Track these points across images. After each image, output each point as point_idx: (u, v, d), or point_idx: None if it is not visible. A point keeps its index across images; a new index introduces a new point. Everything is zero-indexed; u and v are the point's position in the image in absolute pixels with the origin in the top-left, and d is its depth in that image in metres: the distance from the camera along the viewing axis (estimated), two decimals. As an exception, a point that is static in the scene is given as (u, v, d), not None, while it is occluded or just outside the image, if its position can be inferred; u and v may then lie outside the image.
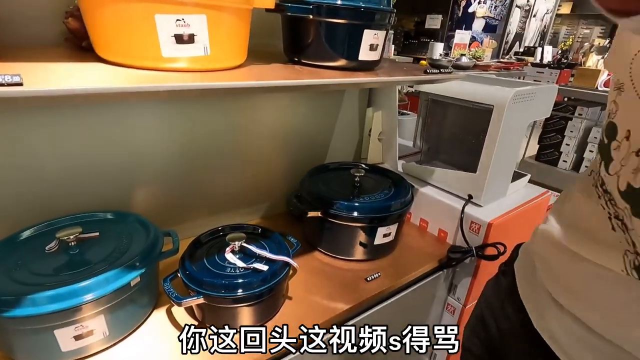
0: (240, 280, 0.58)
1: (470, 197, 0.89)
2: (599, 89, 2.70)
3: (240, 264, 0.61)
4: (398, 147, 1.07)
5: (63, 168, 0.65)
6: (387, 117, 1.07)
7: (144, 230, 0.63)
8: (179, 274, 0.60)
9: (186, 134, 0.77)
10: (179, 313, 0.64)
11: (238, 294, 0.57)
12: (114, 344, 0.57)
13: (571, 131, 2.70)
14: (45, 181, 0.64)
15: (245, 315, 0.60)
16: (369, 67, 0.65)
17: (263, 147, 0.92)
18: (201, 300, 0.57)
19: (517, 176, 0.98)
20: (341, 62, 0.62)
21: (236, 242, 0.63)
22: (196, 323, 0.62)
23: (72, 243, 0.57)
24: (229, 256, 0.62)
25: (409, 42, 5.22)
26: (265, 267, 0.60)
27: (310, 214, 0.78)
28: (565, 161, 2.79)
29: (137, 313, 0.60)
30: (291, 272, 0.77)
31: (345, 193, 0.82)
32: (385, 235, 0.80)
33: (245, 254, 0.64)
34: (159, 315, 0.63)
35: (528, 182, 1.03)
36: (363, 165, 0.96)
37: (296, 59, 0.64)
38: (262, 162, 0.93)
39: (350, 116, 1.07)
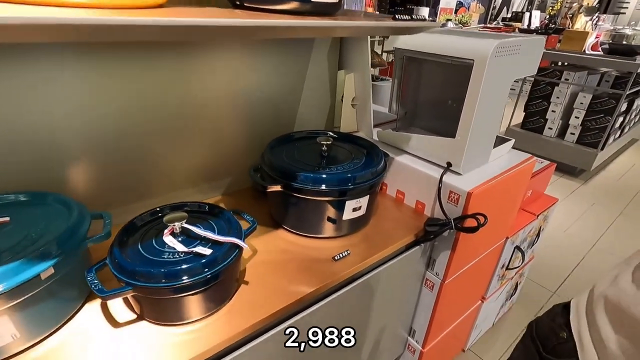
0: (178, 267, 0.49)
1: (449, 164, 0.82)
2: (587, 52, 2.62)
3: (180, 247, 0.52)
4: (373, 114, 0.98)
5: (-36, 142, 0.55)
6: (360, 80, 0.97)
7: (67, 213, 0.54)
8: (107, 263, 0.51)
9: (121, 99, 0.66)
10: (116, 307, 0.56)
11: (175, 283, 0.48)
12: (31, 347, 0.48)
13: (557, 97, 2.64)
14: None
15: (189, 305, 0.52)
16: (326, 10, 0.55)
17: (221, 116, 0.81)
18: (131, 293, 0.48)
19: (500, 141, 0.91)
20: (292, 5, 0.51)
21: (176, 223, 0.54)
22: (135, 316, 0.54)
23: (-29, 231, 0.47)
24: (168, 239, 0.54)
25: (394, 9, 5.00)
26: (208, 251, 0.52)
27: (270, 188, 0.69)
28: (551, 128, 2.74)
29: (60, 309, 0.51)
30: (251, 253, 0.69)
31: (310, 164, 0.73)
32: (355, 210, 0.72)
33: (188, 237, 0.55)
34: (90, 310, 0.55)
35: (512, 147, 0.96)
36: (331, 134, 0.87)
37: (238, 3, 0.53)
38: (220, 133, 0.83)
39: (320, 80, 0.97)
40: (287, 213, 0.75)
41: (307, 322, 0.63)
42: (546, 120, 2.73)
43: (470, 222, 0.77)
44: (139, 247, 0.53)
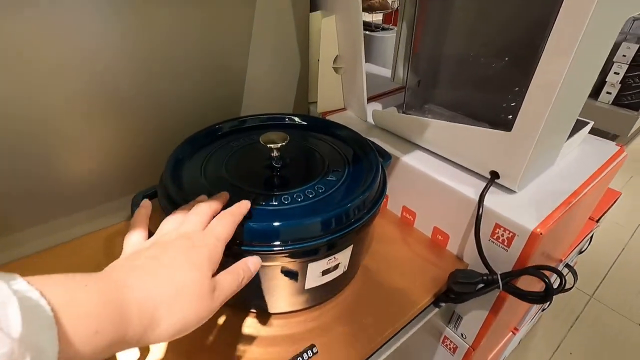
0: None
1: (494, 175, 0.47)
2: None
3: None
4: (370, 80, 0.62)
5: None
6: (345, 27, 0.60)
7: None
8: None
9: None
10: None
11: None
12: None
13: (595, 48, 2.19)
14: None
15: None
16: None
17: (126, 93, 0.47)
18: None
19: (575, 127, 0.55)
20: None
21: None
22: None
23: None
24: None
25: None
26: None
27: (162, 243, 0.36)
28: (583, 87, 2.32)
29: None
30: None
31: (246, 191, 0.39)
32: (326, 272, 0.40)
33: None
34: None
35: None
36: (295, 120, 0.52)
37: None
38: (120, 123, 0.49)
39: (280, 26, 0.60)
40: (209, 274, 0.43)
41: None
42: (578, 77, 2.31)
43: (528, 282, 0.45)
44: None
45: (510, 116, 0.44)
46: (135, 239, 0.30)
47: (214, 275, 0.27)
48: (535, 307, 0.88)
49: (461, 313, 0.56)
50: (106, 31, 0.43)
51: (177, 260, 0.25)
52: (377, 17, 1.19)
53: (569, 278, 0.78)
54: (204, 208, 0.31)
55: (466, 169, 0.51)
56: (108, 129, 0.49)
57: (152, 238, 0.30)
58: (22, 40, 0.39)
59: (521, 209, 0.44)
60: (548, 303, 0.88)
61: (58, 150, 0.46)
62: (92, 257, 0.50)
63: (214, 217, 0.31)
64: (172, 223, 0.30)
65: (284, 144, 0.41)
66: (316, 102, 0.68)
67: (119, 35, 0.45)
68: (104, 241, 0.52)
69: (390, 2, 1.20)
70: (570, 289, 0.92)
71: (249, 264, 0.31)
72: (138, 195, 0.41)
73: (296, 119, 0.53)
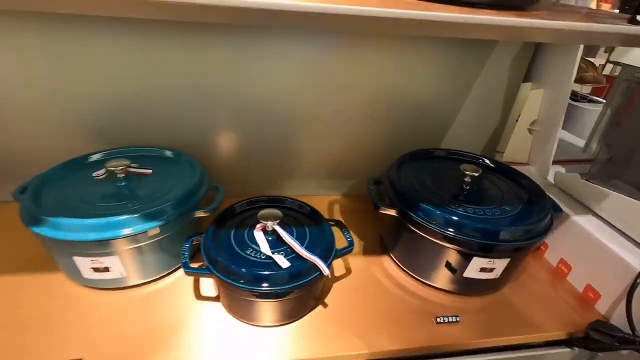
0: (254, 272, 0.46)
1: (666, 255, 0.52)
2: None
3: (264, 248, 0.49)
4: (559, 145, 0.72)
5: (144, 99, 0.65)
6: (550, 99, 0.72)
7: (190, 177, 0.58)
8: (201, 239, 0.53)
9: (270, 82, 0.67)
10: (207, 280, 0.58)
11: (245, 286, 0.46)
12: (134, 286, 0.55)
13: None
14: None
15: (255, 308, 0.50)
16: (511, 2, 0.39)
17: (358, 112, 0.75)
18: (208, 277, 0.49)
19: None
20: (465, -7, 0.38)
21: (268, 222, 0.51)
22: (214, 295, 0.56)
23: (120, 175, 0.56)
24: (258, 236, 0.51)
25: (644, 6, 3.73)
26: (286, 263, 0.47)
27: (383, 210, 0.59)
28: None
29: (162, 262, 0.56)
30: (344, 272, 0.62)
31: (441, 195, 0.59)
32: (483, 270, 0.55)
33: (277, 238, 0.52)
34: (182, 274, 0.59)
35: None
36: (486, 162, 0.68)
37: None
38: (355, 130, 0.77)
39: (491, 92, 0.77)
40: (397, 242, 0.63)
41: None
42: None
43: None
44: (232, 233, 0.53)
45: None
46: None
47: None
48: None
49: (593, 372, 0.60)
50: (370, 75, 0.71)
51: None
52: (586, 89, 1.21)
53: None
54: None
55: (636, 242, 0.57)
56: (349, 136, 0.77)
57: None
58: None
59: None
60: None
61: (316, 139, 0.76)
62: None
63: None
64: None
65: (476, 174, 0.59)
66: (503, 152, 0.82)
67: (378, 79, 0.71)
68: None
69: (602, 76, 1.20)
70: None
71: None
72: (371, 181, 0.66)
73: (488, 161, 0.69)
